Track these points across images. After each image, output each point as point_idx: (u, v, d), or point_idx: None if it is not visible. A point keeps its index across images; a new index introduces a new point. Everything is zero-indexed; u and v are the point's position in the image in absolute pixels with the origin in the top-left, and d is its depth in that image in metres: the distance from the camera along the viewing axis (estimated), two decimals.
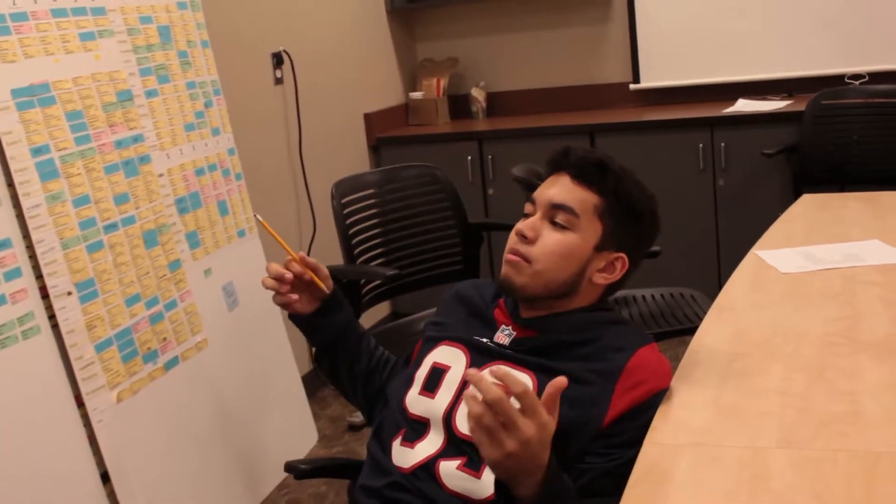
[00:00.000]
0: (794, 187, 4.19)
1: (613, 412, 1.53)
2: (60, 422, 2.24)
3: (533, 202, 1.71)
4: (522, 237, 1.67)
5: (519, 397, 1.30)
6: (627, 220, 1.70)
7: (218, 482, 2.73)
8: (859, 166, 4.15)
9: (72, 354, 2.26)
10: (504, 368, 1.33)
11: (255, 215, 2.33)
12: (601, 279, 1.69)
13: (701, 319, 1.98)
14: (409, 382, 1.74)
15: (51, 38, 2.35)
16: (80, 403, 2.29)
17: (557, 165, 1.73)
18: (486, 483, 1.54)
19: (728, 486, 1.28)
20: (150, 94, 2.66)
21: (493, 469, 1.38)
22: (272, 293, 1.85)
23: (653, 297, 3.09)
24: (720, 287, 2.15)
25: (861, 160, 4.15)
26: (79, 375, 2.28)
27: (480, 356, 1.68)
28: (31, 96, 2.26)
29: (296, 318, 1.90)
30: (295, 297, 1.84)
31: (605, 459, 1.51)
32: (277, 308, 1.85)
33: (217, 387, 2.77)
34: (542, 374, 1.60)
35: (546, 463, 1.37)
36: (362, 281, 2.93)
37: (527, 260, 1.66)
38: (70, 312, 2.27)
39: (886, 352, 1.68)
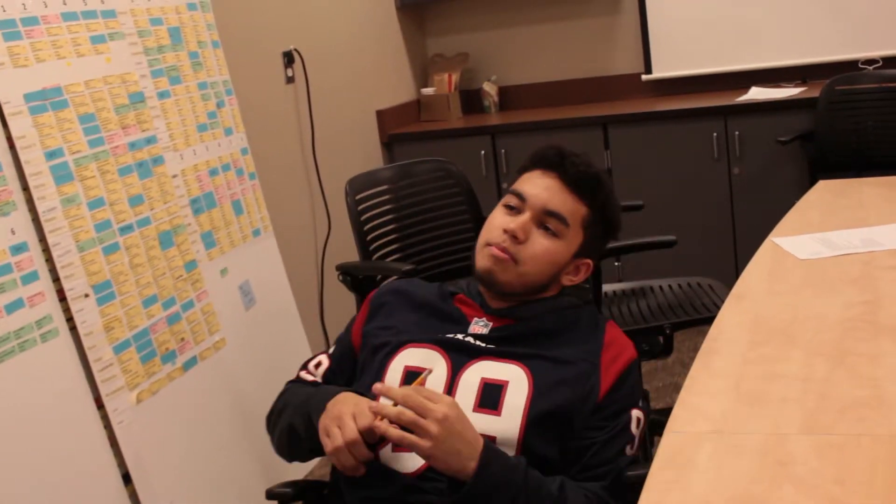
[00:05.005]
0: (810, 174, 4.16)
1: (605, 385, 1.63)
2: (81, 423, 2.25)
3: (521, 198, 1.72)
4: (513, 237, 1.68)
5: (417, 391, 1.46)
6: (604, 232, 1.79)
7: (238, 480, 2.73)
8: (875, 152, 4.12)
9: (90, 356, 2.27)
10: (381, 385, 1.50)
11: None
12: (567, 280, 1.77)
13: (719, 308, 1.96)
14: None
15: (62, 41, 2.36)
16: (100, 405, 2.30)
17: (550, 165, 1.74)
18: None
19: (751, 472, 1.27)
20: (162, 95, 2.67)
21: (433, 461, 1.46)
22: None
23: (670, 287, 3.08)
24: (737, 276, 2.14)
25: (877, 145, 4.12)
26: (98, 377, 2.28)
27: (460, 355, 1.67)
28: (43, 100, 2.27)
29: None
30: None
31: (603, 432, 1.60)
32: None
33: (236, 385, 2.77)
34: (533, 362, 1.64)
35: (479, 441, 1.47)
36: (378, 277, 2.93)
37: (514, 260, 1.69)
38: (88, 314, 2.28)
39: None
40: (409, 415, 1.43)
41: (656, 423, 3.05)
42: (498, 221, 1.72)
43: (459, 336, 1.70)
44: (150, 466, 2.39)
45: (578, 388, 1.61)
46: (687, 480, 1.28)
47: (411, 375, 1.66)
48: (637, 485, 1.55)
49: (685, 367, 3.82)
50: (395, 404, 1.48)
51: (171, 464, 2.47)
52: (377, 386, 1.48)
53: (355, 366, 1.79)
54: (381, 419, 1.48)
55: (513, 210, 1.73)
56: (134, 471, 2.34)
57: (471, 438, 1.47)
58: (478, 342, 1.69)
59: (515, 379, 1.63)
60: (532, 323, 1.72)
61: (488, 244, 1.71)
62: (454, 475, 1.47)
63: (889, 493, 1.18)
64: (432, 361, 1.67)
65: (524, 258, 1.69)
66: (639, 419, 1.64)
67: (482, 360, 1.66)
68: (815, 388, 1.50)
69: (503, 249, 1.69)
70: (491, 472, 1.46)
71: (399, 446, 1.56)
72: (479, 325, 1.72)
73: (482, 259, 1.72)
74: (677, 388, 3.49)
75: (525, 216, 1.70)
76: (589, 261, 1.77)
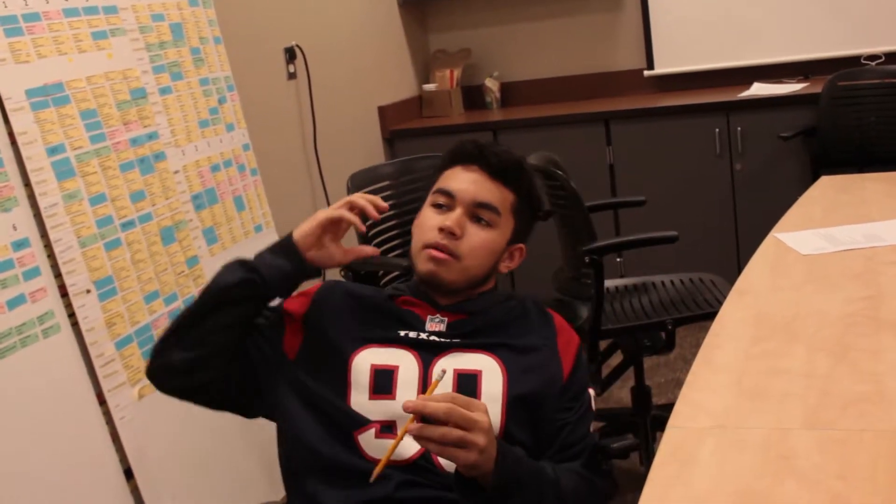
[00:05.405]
0: (812, 170, 4.16)
1: (566, 367, 1.69)
2: (83, 419, 2.25)
3: (450, 195, 1.72)
4: (450, 233, 1.68)
5: (454, 401, 1.38)
6: (532, 216, 1.82)
7: (242, 475, 2.73)
8: (878, 147, 4.11)
9: (92, 352, 2.27)
10: (413, 401, 1.38)
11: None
12: (504, 267, 1.79)
13: (721, 304, 1.96)
14: (343, 388, 1.63)
15: (63, 37, 2.36)
16: (102, 400, 2.30)
17: (471, 159, 1.76)
18: None
19: (753, 467, 1.27)
20: (163, 91, 2.67)
21: (472, 470, 1.42)
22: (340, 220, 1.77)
23: (672, 282, 3.08)
24: (740, 271, 2.14)
25: (879, 141, 4.12)
26: (100, 373, 2.28)
27: (426, 351, 1.65)
28: (45, 96, 2.27)
29: (307, 268, 1.74)
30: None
31: (572, 413, 1.66)
32: None
33: None
34: (500, 350, 1.66)
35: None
36: (380, 272, 2.93)
37: (455, 256, 1.69)
38: (89, 310, 2.28)
39: None
40: (455, 433, 1.37)
41: (659, 419, 3.06)
42: (431, 222, 1.71)
43: (423, 335, 1.68)
44: (151, 462, 2.39)
45: (545, 372, 1.66)
46: (689, 476, 1.28)
47: (380, 374, 1.62)
48: (622, 455, 1.69)
49: (687, 362, 3.82)
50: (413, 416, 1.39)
51: (173, 459, 2.48)
52: (409, 404, 1.36)
53: (282, 327, 1.73)
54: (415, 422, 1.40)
55: (442, 208, 1.73)
56: (136, 466, 2.34)
57: (496, 439, 1.45)
58: (441, 338, 1.68)
59: (488, 368, 1.64)
60: (485, 316, 1.72)
61: (426, 246, 1.70)
62: (475, 476, 1.44)
63: (891, 487, 1.18)
64: (399, 358, 1.65)
65: (464, 252, 1.69)
66: (594, 397, 1.72)
67: (450, 353, 1.65)
68: (817, 384, 1.50)
69: (442, 247, 1.68)
70: (506, 465, 1.45)
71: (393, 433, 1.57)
72: (436, 322, 1.70)
73: (422, 263, 1.70)
74: (679, 383, 3.49)
75: (457, 212, 1.70)
76: (522, 245, 1.80)
